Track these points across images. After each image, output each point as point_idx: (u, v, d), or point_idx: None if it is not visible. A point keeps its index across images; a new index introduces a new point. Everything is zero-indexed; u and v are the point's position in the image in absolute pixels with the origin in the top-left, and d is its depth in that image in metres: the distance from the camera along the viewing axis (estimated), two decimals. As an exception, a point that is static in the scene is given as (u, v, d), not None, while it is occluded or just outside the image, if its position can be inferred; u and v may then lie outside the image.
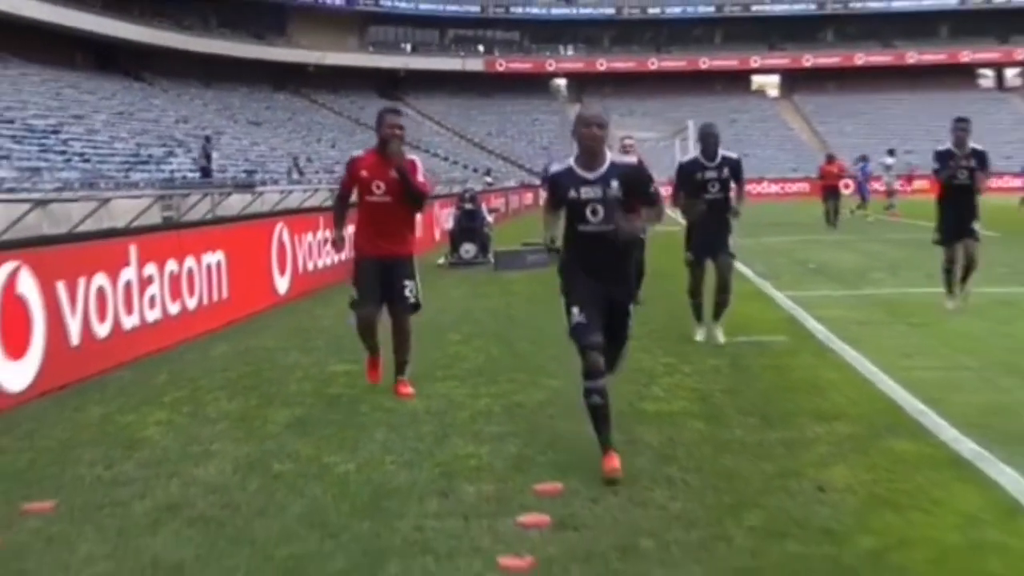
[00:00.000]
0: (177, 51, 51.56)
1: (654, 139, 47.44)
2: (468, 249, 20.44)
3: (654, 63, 70.43)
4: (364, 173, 8.08)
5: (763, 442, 7.06)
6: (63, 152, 30.96)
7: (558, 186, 6.32)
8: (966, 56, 72.27)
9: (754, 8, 73.85)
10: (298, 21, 62.80)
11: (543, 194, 6.61)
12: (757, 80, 75.65)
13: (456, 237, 21.92)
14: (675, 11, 71.30)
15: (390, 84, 66.25)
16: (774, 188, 60.55)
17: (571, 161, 6.34)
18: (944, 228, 12.69)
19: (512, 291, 17.30)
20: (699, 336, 11.07)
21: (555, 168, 6.55)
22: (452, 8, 68.52)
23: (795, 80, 74.33)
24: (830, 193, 31.89)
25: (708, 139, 10.78)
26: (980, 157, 12.46)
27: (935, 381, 9.05)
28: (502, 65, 68.26)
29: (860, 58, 71.91)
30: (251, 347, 11.93)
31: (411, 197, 8.31)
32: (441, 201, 29.69)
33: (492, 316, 14.04)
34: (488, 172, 55.80)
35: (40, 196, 21.48)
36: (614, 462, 5.92)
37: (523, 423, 7.62)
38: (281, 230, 16.21)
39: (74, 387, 9.38)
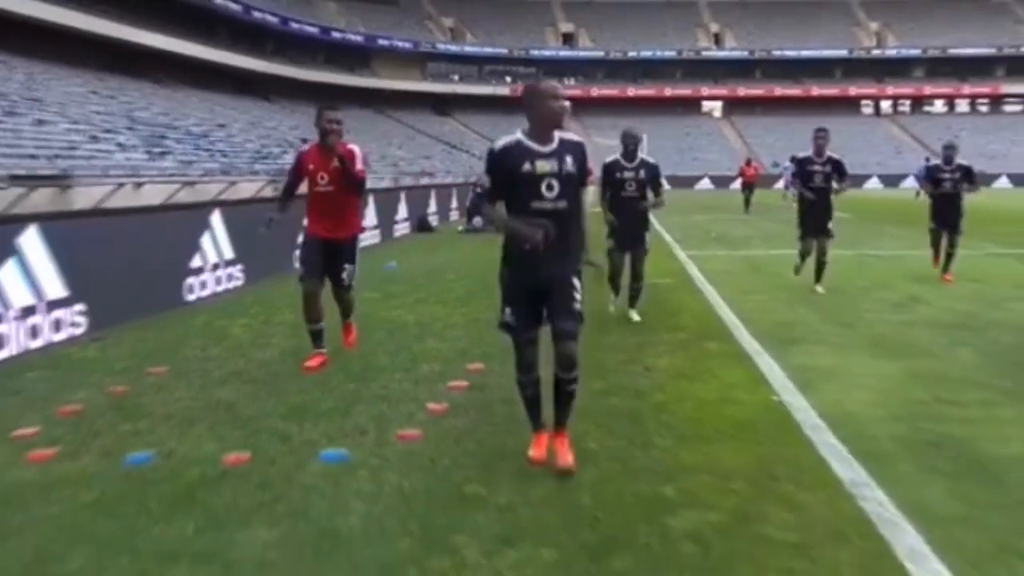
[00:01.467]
0: (294, 80, 51.60)
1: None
2: (478, 221, 20.83)
3: (631, 91, 70.17)
4: (311, 166, 6.69)
5: (625, 343, 7.53)
6: (209, 150, 31.37)
7: (503, 163, 4.38)
8: (853, 91, 71.52)
9: (704, 53, 73.41)
10: (378, 59, 62.86)
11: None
12: (706, 105, 74.94)
13: (470, 212, 22.08)
14: (647, 54, 70.84)
15: (441, 104, 66.21)
16: (711, 184, 60.51)
17: (519, 135, 4.46)
18: (804, 225, 10.56)
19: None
20: (612, 308, 8.93)
21: (500, 143, 4.51)
22: (487, 50, 68.48)
23: (733, 106, 73.68)
24: (746, 186, 31.81)
25: (628, 142, 8.34)
26: (836, 164, 10.33)
27: (754, 308, 9.47)
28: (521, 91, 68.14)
29: (779, 91, 71.27)
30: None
31: (350, 183, 6.76)
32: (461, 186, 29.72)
33: (483, 265, 13.77)
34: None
35: (189, 179, 22.12)
36: (547, 442, 4.54)
37: (475, 330, 7.97)
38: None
39: (193, 304, 9.95)
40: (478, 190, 23.45)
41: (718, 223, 24.08)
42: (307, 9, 60.77)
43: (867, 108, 73.02)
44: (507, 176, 4.37)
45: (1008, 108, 69.43)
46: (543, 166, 4.33)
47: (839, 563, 3.33)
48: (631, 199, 8.35)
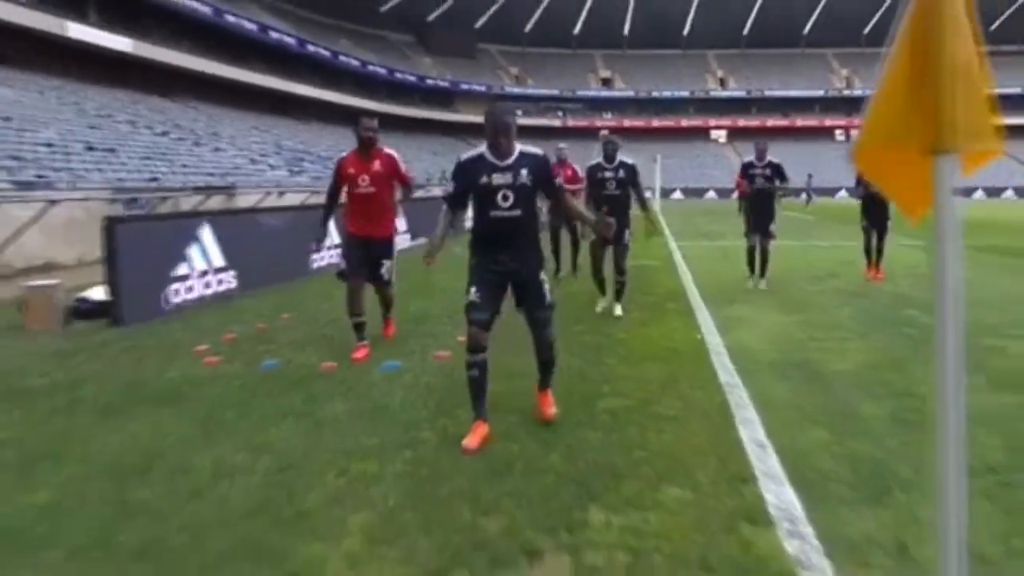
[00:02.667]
0: (399, 116, 52.04)
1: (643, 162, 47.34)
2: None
3: (655, 122, 69.50)
4: (351, 170, 5.77)
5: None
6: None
7: (466, 173, 3.94)
8: (828, 122, 69.92)
9: (711, 93, 72.52)
10: (460, 99, 63.40)
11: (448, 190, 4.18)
12: (713, 133, 73.65)
13: None
14: (667, 94, 70.29)
15: None
16: (715, 195, 59.84)
17: (483, 149, 3.96)
18: (748, 224, 9.48)
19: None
20: (599, 308, 7.54)
21: (466, 155, 4.05)
22: (543, 91, 68.73)
23: (734, 134, 72.38)
24: (741, 197, 30.98)
25: (607, 147, 7.41)
26: (776, 168, 9.16)
27: (711, 279, 9.77)
28: (570, 123, 68.05)
29: (770, 122, 69.97)
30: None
31: (403, 187, 6.04)
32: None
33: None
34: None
35: (317, 190, 22.93)
36: (483, 431, 3.75)
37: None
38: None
39: (314, 273, 10.55)
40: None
41: (710, 223, 24.16)
42: (408, 63, 61.73)
43: (840, 136, 71.25)
44: (468, 185, 3.92)
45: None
46: (498, 179, 3.86)
47: (697, 426, 3.94)
48: (611, 197, 7.21)
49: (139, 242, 7.10)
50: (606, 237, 6.21)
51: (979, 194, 53.52)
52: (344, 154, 5.97)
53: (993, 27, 69.20)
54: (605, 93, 72.00)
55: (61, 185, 14.20)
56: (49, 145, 18.20)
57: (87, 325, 7.01)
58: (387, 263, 5.87)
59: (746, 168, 9.45)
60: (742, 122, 72.09)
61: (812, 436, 3.80)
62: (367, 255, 5.80)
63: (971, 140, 1.19)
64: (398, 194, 6.14)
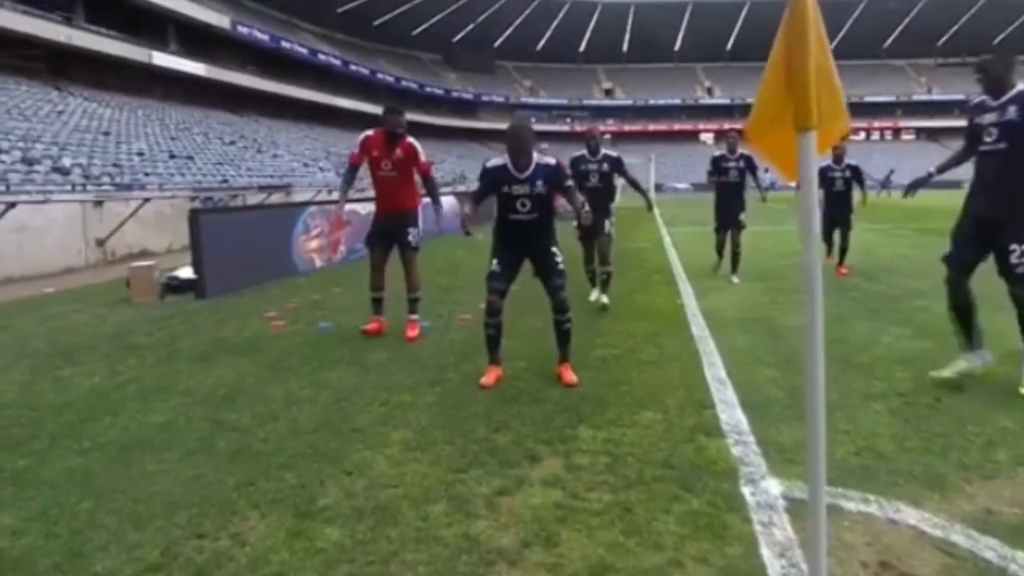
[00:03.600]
0: (428, 124, 51.56)
1: (638, 162, 47.05)
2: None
3: (651, 127, 68.82)
4: (375, 152, 5.17)
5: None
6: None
7: (491, 178, 3.96)
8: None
9: (700, 101, 71.67)
10: (482, 109, 63.41)
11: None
12: (702, 136, 72.95)
13: None
14: (662, 102, 69.56)
15: None
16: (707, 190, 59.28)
17: (506, 160, 3.96)
18: (717, 218, 8.21)
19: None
20: (592, 298, 6.47)
21: (492, 163, 4.04)
22: (554, 101, 68.48)
23: (721, 136, 71.42)
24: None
25: (590, 141, 6.48)
26: (748, 160, 7.93)
27: (693, 258, 9.74)
28: (577, 128, 67.60)
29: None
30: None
31: (422, 177, 5.38)
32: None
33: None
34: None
35: (361, 188, 23.25)
36: (497, 372, 3.95)
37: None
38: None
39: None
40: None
41: (701, 212, 24.03)
42: (436, 79, 61.67)
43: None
44: (490, 188, 3.97)
45: (904, 137, 66.47)
46: (518, 189, 3.90)
47: (672, 369, 4.15)
48: (594, 189, 6.21)
49: (218, 230, 7.41)
50: (586, 228, 5.08)
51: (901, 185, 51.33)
52: (371, 132, 5.23)
53: (940, 42, 67.89)
54: (607, 102, 71.38)
55: (152, 187, 14.58)
56: (140, 154, 18.61)
57: (178, 298, 7.34)
58: (413, 231, 5.28)
59: (717, 162, 8.03)
60: (727, 125, 70.05)
61: (763, 373, 4.02)
62: (391, 228, 5.26)
63: (825, 121, 1.42)
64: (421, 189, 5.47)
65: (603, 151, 6.46)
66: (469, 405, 3.52)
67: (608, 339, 4.93)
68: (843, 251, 8.42)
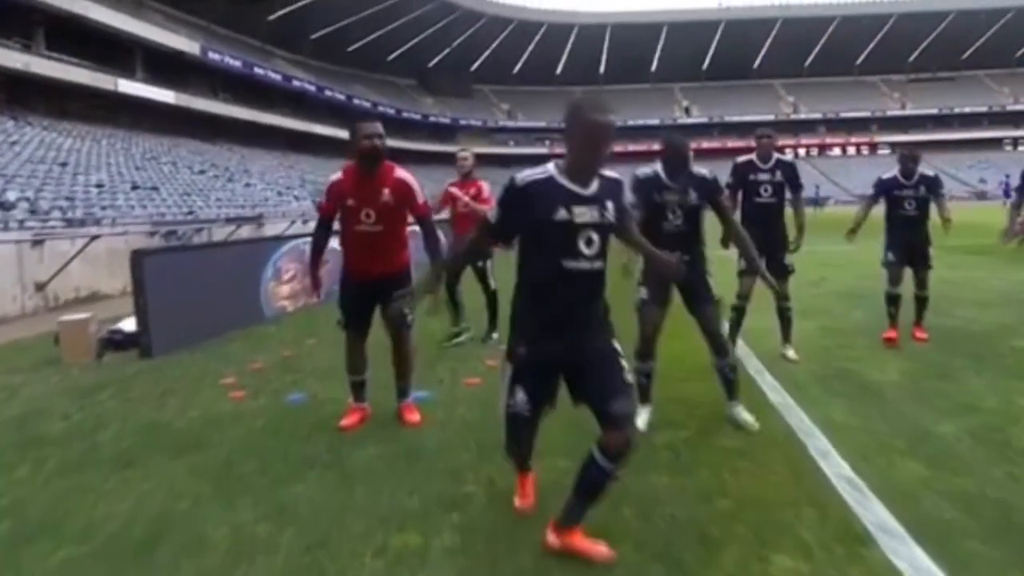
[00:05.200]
0: (406, 149, 50.09)
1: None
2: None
3: (631, 147, 67.01)
4: (350, 201, 3.51)
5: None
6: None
7: (532, 202, 2.17)
8: (778, 143, 69.23)
9: (678, 120, 71.31)
10: (460, 133, 62.07)
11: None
12: (678, 154, 72.74)
13: None
14: (641, 122, 68.21)
15: (503, 160, 64.83)
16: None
17: (551, 169, 2.25)
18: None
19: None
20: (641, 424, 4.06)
21: (529, 176, 2.23)
22: (532, 124, 67.44)
23: (698, 155, 69.47)
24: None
25: (674, 158, 3.74)
26: (787, 169, 5.03)
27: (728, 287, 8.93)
28: (556, 149, 66.91)
29: (729, 143, 68.31)
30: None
31: (421, 221, 3.66)
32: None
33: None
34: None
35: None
36: (531, 482, 2.72)
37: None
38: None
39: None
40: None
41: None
42: (413, 103, 60.79)
43: (788, 154, 70.59)
44: (526, 220, 2.20)
45: (880, 152, 66.86)
46: (583, 214, 2.18)
47: (772, 462, 3.04)
48: (675, 230, 3.74)
49: (168, 273, 6.17)
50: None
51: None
52: (337, 176, 3.56)
53: (911, 58, 68.82)
54: (586, 124, 71.22)
55: (107, 221, 13.26)
56: (99, 186, 17.29)
57: (120, 357, 6.07)
58: (405, 298, 3.13)
59: (742, 171, 5.06)
60: (705, 144, 71.04)
61: (904, 470, 2.89)
62: (372, 298, 3.67)
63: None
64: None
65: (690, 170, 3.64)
66: (511, 554, 2.33)
67: (666, 413, 3.76)
68: (922, 304, 5.40)
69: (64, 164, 18.23)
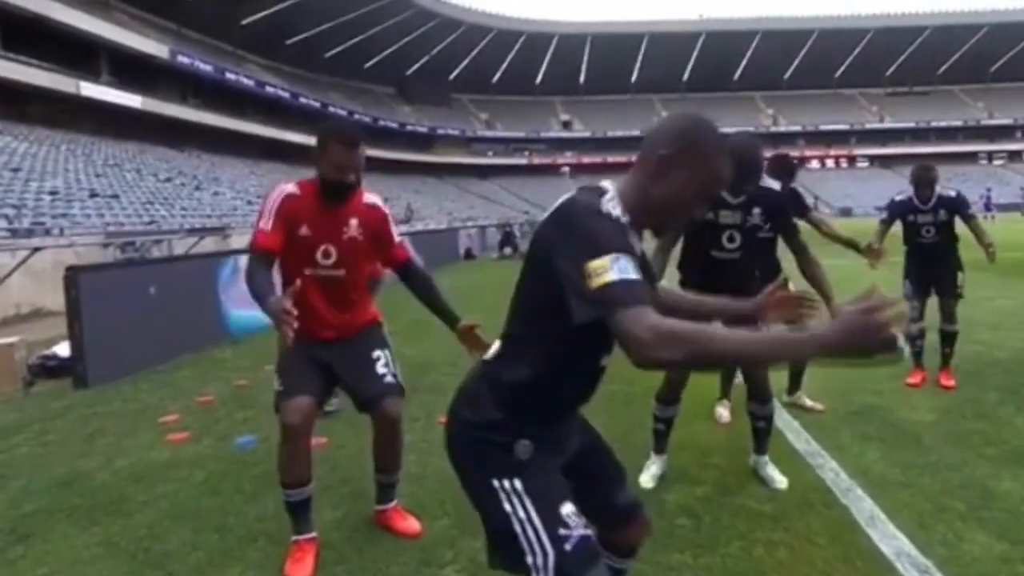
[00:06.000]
0: (382, 159, 49.18)
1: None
2: (507, 250, 19.98)
3: (610, 159, 67.69)
4: (303, 228, 2.36)
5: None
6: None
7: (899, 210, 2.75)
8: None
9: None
10: (438, 142, 61.42)
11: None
12: (658, 166, 73.03)
13: (501, 244, 21.00)
14: (620, 133, 68.46)
15: (482, 171, 64.50)
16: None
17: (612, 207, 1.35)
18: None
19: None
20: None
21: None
22: (511, 134, 67.24)
23: None
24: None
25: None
26: (776, 203, 3.13)
27: None
28: (536, 160, 67.08)
29: (708, 154, 69.64)
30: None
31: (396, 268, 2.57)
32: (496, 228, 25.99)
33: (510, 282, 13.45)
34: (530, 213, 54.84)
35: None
36: None
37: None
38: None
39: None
40: (506, 229, 22.31)
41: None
42: (390, 112, 60.17)
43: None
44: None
45: (859, 164, 67.70)
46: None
47: (811, 531, 2.54)
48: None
49: (108, 292, 5.56)
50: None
51: (858, 211, 46.61)
52: (291, 190, 2.44)
53: (889, 71, 69.97)
54: (565, 134, 70.95)
55: (56, 231, 12.50)
56: (53, 193, 16.44)
57: (52, 386, 5.45)
58: (384, 354, 2.58)
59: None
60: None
61: (975, 543, 2.41)
62: (326, 370, 2.50)
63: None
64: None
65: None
66: None
67: (676, 462, 3.25)
68: (948, 342, 4.57)
69: (16, 170, 17.37)
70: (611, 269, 1.16)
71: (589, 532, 1.33)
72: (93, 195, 17.70)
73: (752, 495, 2.88)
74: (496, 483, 1.34)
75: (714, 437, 3.62)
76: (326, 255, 2.44)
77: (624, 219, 1.30)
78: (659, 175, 1.33)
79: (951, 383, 4.48)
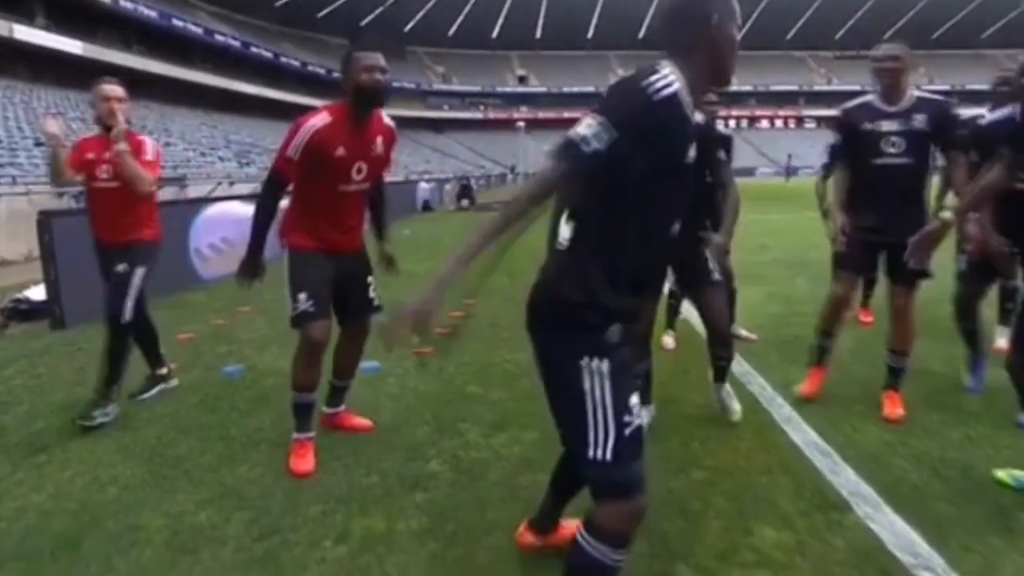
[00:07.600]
0: None
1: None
2: (464, 202, 20.11)
3: (566, 114, 67.02)
4: (340, 152, 2.61)
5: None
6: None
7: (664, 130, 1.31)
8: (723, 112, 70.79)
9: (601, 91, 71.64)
10: (393, 96, 60.42)
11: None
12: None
13: (459, 196, 21.13)
14: (576, 89, 68.53)
15: (437, 125, 63.67)
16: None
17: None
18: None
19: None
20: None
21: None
22: (467, 88, 66.63)
23: None
24: None
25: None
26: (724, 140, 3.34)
27: None
28: (491, 115, 66.56)
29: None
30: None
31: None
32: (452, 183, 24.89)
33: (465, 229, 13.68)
34: (513, 167, 54.41)
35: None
36: None
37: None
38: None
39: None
40: (463, 183, 22.35)
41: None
42: (346, 64, 58.66)
43: (720, 125, 71.93)
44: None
45: (807, 125, 69.30)
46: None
47: (738, 430, 3.01)
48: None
49: (81, 236, 5.63)
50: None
51: (807, 171, 43.33)
52: (323, 121, 2.57)
53: (838, 35, 71.17)
54: (521, 89, 70.38)
55: (5, 180, 12.15)
56: (-5, 142, 15.86)
57: (27, 328, 5.57)
58: (372, 280, 2.97)
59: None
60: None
61: (868, 434, 2.91)
62: (345, 277, 2.83)
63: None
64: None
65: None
66: (481, 532, 2.18)
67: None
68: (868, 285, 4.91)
69: (-47, 117, 16.63)
70: (586, 127, 1.25)
71: (644, 424, 1.46)
72: (38, 144, 17.08)
73: (691, 404, 3.34)
74: (584, 361, 1.39)
75: (662, 361, 4.05)
76: (359, 171, 2.70)
77: (677, 84, 1.30)
78: (708, 40, 1.43)
79: (870, 319, 5.06)
